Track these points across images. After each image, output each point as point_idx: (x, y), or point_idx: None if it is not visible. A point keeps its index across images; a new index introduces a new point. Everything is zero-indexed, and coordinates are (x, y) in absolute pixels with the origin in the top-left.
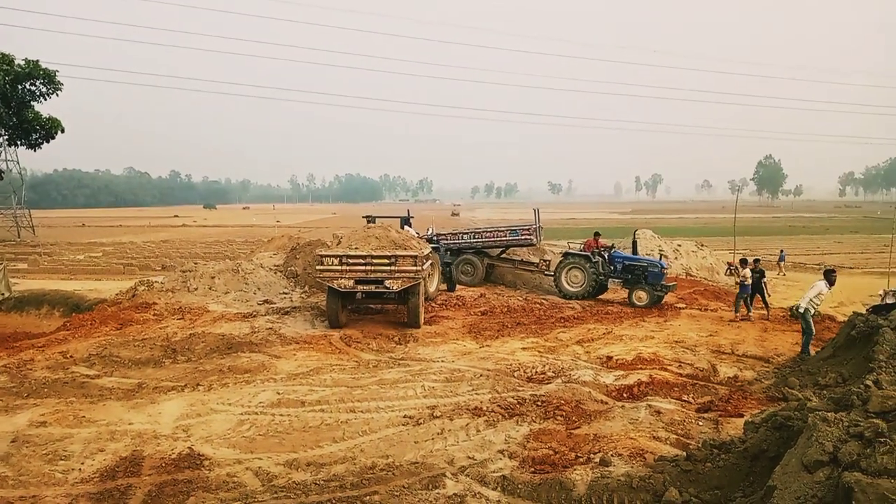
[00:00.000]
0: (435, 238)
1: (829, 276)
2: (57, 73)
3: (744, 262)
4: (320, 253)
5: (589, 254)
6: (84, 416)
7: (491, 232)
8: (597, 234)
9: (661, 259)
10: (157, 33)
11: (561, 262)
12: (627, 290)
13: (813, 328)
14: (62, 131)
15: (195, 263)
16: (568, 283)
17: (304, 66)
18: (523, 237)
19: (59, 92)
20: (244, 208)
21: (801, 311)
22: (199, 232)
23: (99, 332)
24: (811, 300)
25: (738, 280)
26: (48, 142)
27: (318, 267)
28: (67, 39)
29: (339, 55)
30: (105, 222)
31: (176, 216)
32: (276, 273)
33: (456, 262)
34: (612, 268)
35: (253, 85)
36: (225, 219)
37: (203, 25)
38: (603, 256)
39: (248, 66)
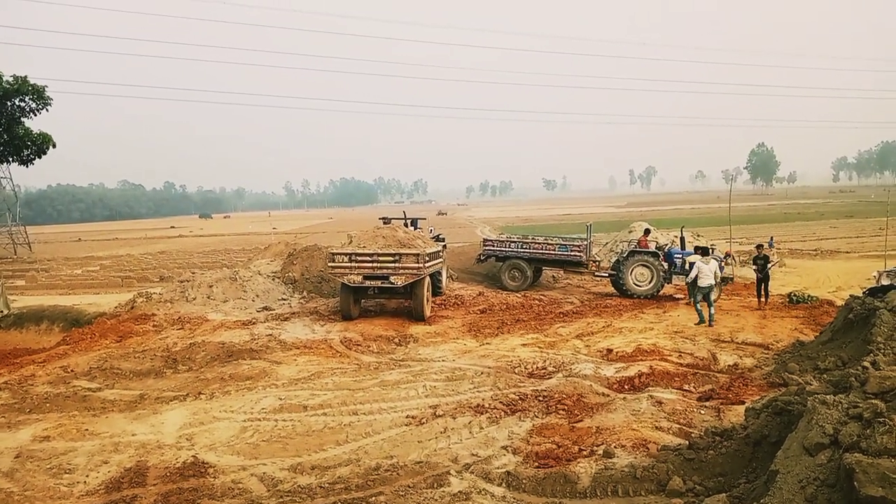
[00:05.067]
0: (442, 237)
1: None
2: (46, 89)
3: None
4: (332, 251)
5: (657, 251)
6: (87, 429)
7: (539, 244)
8: (646, 231)
9: (713, 252)
10: (146, 45)
11: (626, 260)
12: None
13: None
14: (53, 146)
15: (193, 273)
16: (635, 282)
17: (295, 72)
18: (573, 254)
19: (48, 107)
20: (225, 217)
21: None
22: (195, 242)
23: (99, 346)
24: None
25: (753, 267)
26: (40, 157)
27: (329, 264)
28: (55, 55)
29: (331, 60)
30: (101, 236)
31: (172, 227)
32: (274, 280)
33: (503, 268)
34: (672, 265)
35: (245, 93)
36: (221, 228)
37: (192, 35)
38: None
39: (240, 75)
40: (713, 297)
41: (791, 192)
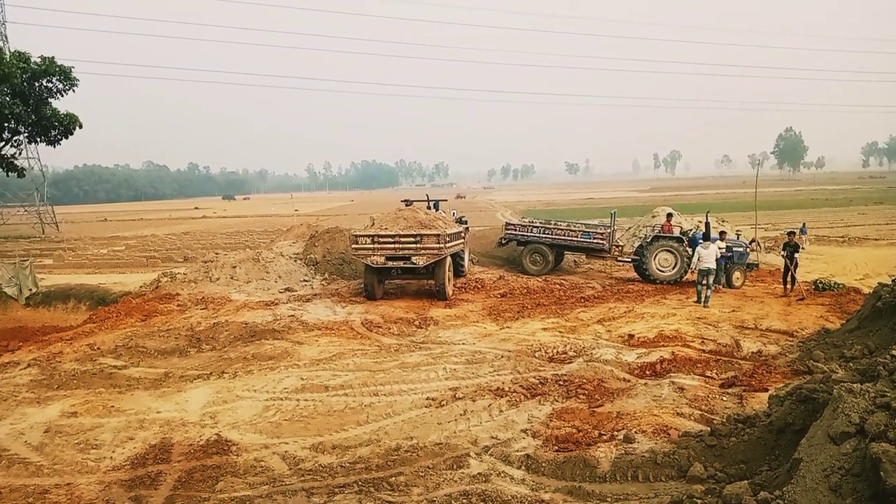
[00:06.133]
0: (465, 219)
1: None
2: (72, 70)
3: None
4: (355, 233)
5: (681, 236)
6: (113, 406)
7: (562, 230)
8: (669, 216)
9: (738, 238)
10: (170, 26)
11: (649, 245)
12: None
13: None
14: (80, 127)
15: (216, 254)
16: (658, 268)
17: (317, 54)
18: (595, 241)
19: (75, 88)
20: (244, 199)
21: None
22: (219, 223)
23: (124, 324)
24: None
25: (782, 254)
26: (67, 138)
27: (353, 246)
28: (81, 35)
29: (352, 41)
30: (126, 216)
31: (196, 208)
32: (296, 261)
33: (525, 252)
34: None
35: (267, 75)
36: (243, 209)
37: (212, 16)
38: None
39: (262, 57)
40: (738, 283)
41: (819, 177)
